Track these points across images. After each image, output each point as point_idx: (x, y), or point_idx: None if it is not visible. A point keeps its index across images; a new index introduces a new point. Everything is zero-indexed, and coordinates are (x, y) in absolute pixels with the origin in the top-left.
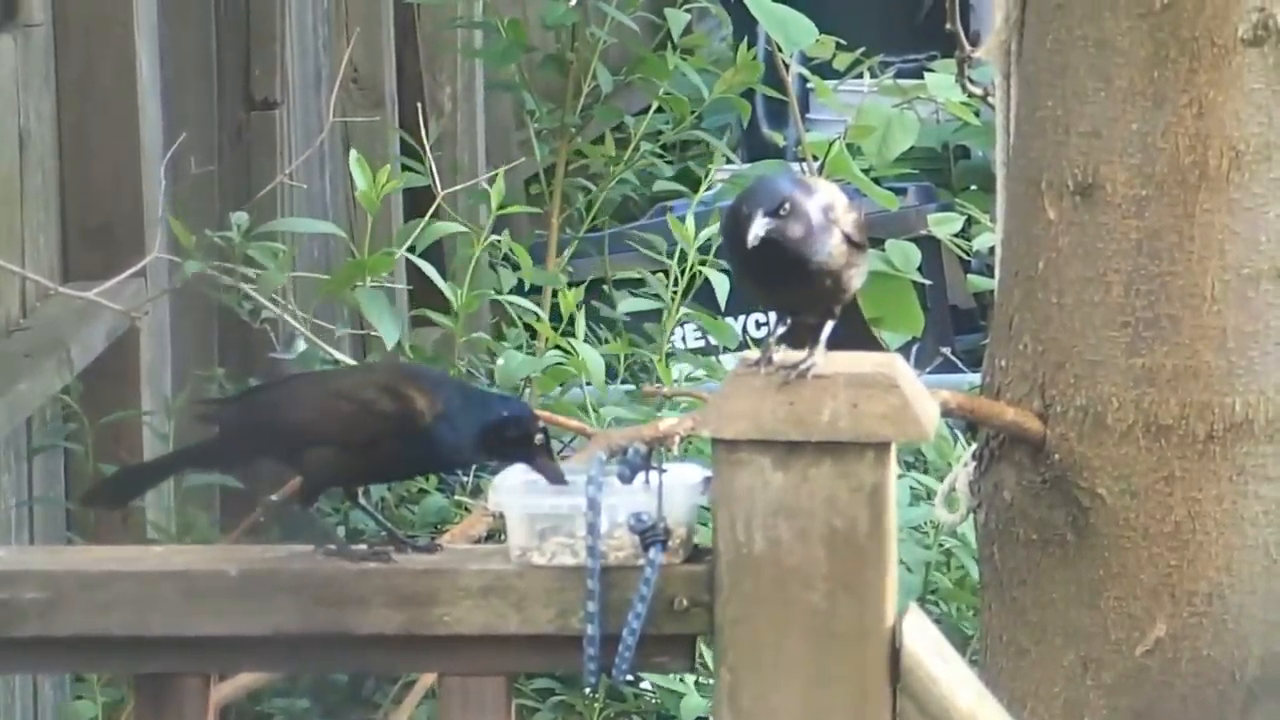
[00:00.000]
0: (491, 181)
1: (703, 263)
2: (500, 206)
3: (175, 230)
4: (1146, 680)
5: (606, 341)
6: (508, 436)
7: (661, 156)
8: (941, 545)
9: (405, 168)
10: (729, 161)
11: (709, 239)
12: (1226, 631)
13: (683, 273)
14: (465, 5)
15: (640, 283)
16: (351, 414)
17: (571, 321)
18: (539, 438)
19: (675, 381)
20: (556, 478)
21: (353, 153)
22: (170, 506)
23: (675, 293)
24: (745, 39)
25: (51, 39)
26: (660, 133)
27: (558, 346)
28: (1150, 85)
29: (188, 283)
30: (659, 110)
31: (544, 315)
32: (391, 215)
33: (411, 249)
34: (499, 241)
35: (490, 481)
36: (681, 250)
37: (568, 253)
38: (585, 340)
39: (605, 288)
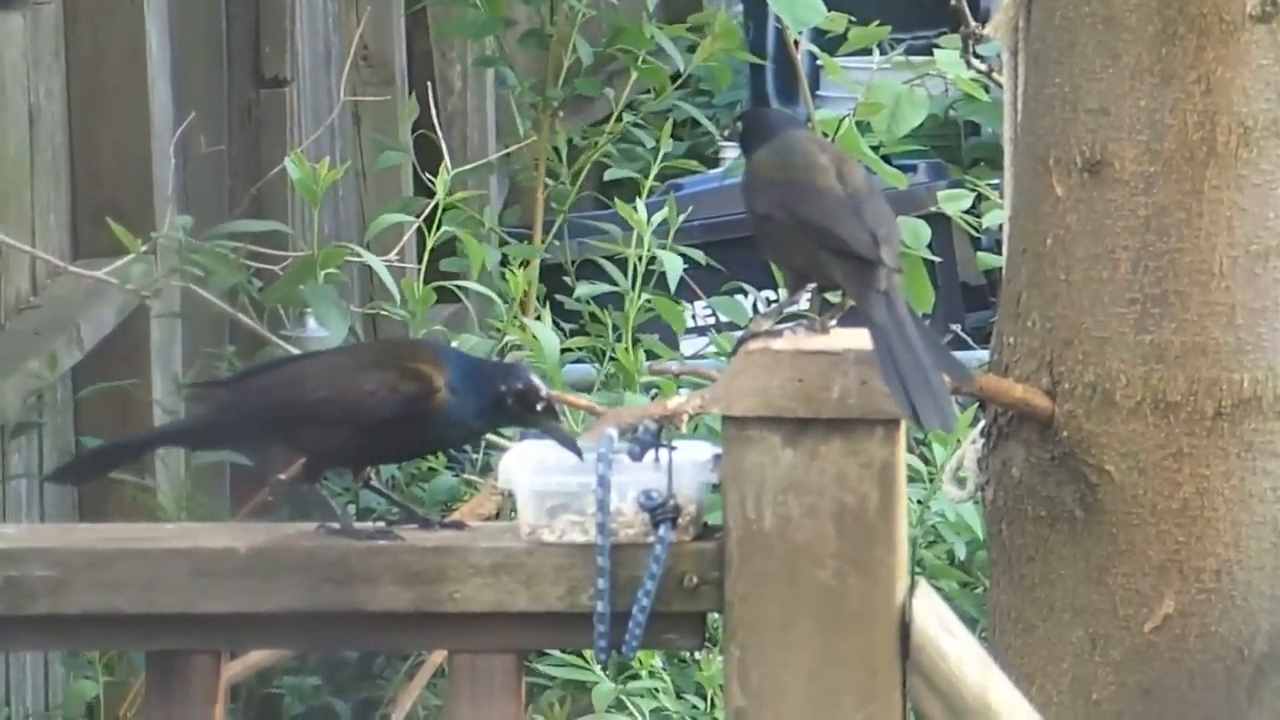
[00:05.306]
0: (503, 159)
1: (662, 247)
2: (448, 194)
3: (118, 234)
4: (1154, 657)
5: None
6: (514, 406)
7: (641, 128)
8: (928, 524)
9: (420, 140)
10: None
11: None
12: (1234, 608)
13: (640, 258)
14: None
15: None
16: (371, 395)
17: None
18: (544, 404)
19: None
20: (568, 442)
21: (289, 159)
22: (180, 485)
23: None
24: (754, 17)
25: (61, 17)
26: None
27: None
28: (1158, 62)
29: (186, 268)
30: (686, 83)
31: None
32: (402, 192)
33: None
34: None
35: (500, 459)
36: (647, 234)
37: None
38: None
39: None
